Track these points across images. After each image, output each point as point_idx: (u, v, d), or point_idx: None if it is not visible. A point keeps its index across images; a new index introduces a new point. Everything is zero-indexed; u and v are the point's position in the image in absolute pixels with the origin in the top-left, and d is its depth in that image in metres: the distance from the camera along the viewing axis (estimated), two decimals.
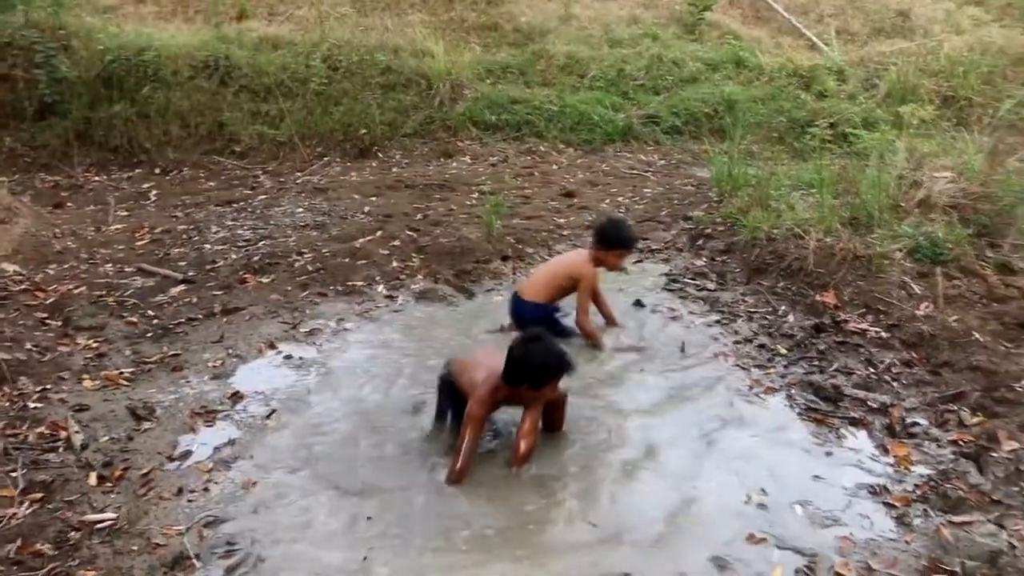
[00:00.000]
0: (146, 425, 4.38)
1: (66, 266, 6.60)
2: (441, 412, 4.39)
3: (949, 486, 3.77)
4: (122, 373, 4.95)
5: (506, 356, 3.87)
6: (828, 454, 4.14)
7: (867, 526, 3.56)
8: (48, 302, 5.84)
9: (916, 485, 3.83)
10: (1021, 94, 8.51)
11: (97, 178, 9.37)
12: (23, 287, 6.04)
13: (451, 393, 4.27)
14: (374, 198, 8.47)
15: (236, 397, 4.70)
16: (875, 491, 3.80)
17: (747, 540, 3.49)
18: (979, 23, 14.20)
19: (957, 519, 3.55)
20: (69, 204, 8.53)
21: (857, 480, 3.90)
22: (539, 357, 3.87)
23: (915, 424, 4.35)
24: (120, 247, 7.10)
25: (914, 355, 5.01)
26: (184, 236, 7.38)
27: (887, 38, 13.85)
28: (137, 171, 9.63)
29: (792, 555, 3.39)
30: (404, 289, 6.22)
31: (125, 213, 8.16)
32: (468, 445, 3.89)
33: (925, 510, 3.65)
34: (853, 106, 11.13)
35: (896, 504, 3.70)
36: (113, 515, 3.63)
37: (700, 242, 7.18)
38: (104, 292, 6.07)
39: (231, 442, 4.25)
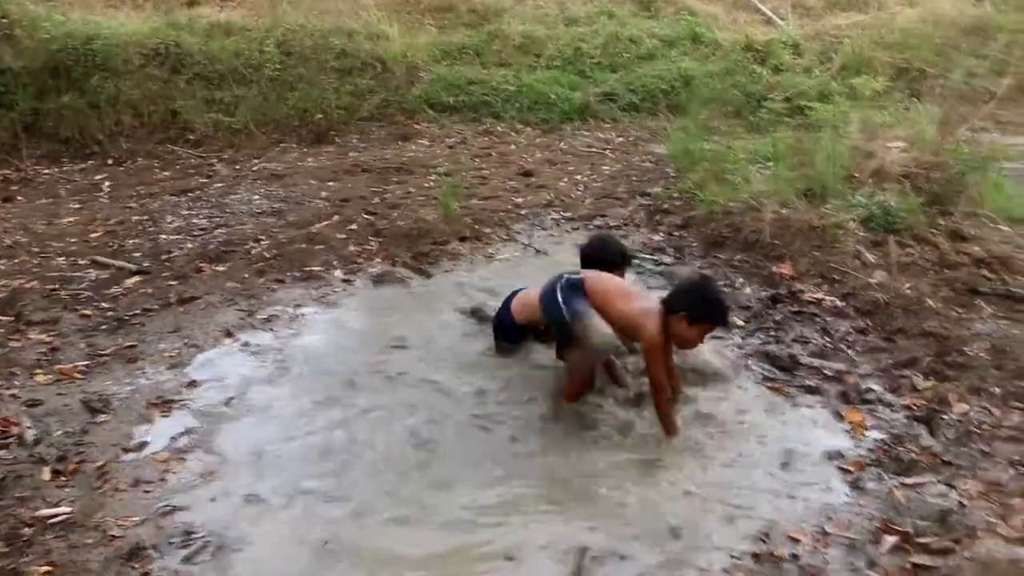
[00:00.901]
0: (101, 418, 4.31)
1: (16, 261, 6.47)
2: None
3: (902, 449, 3.85)
4: (76, 366, 4.87)
5: (679, 285, 4.19)
6: (785, 422, 4.18)
7: (822, 491, 3.61)
8: None
9: (870, 449, 3.90)
10: (970, 63, 8.60)
11: (48, 171, 9.18)
12: None
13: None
14: (331, 183, 8.41)
15: (193, 386, 4.64)
16: (830, 456, 3.85)
17: (702, 507, 3.52)
18: None
19: (909, 481, 3.62)
20: (19, 198, 8.37)
21: (812, 446, 3.95)
22: (715, 292, 4.16)
23: (869, 390, 4.41)
24: (73, 240, 6.98)
25: (868, 323, 5.08)
26: (139, 227, 7.27)
27: (842, 11, 13.99)
28: (89, 162, 9.45)
29: (748, 521, 3.43)
30: (362, 273, 6.19)
31: (78, 205, 8.03)
32: (656, 369, 3.96)
33: (879, 473, 3.71)
34: (808, 79, 11.22)
35: (851, 468, 3.76)
36: (68, 509, 3.58)
37: (658, 217, 7.21)
38: (57, 286, 5.97)
39: (188, 431, 4.20)
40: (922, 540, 3.20)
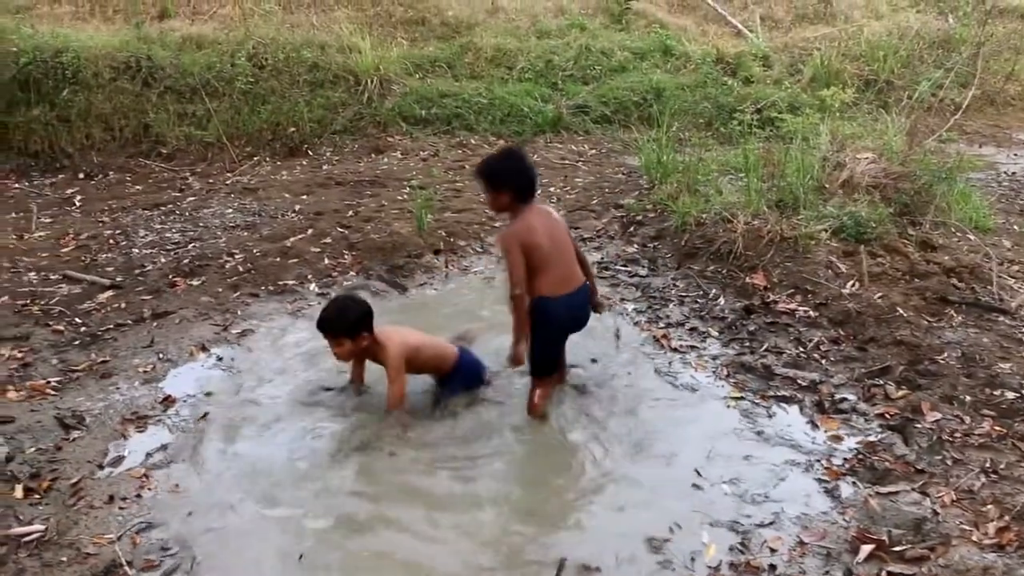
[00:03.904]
0: (75, 434, 4.27)
1: None
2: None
3: (876, 458, 3.89)
4: (49, 382, 4.82)
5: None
6: (759, 432, 4.22)
7: (798, 501, 3.65)
8: None
9: (845, 459, 3.94)
10: (937, 76, 8.73)
11: (17, 185, 9.08)
12: None
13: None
14: (304, 196, 8.39)
15: (168, 401, 4.62)
16: (806, 467, 3.89)
17: (680, 521, 3.54)
18: (896, 8, 14.61)
19: (884, 489, 3.66)
20: None
21: (788, 457, 3.99)
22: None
23: (843, 400, 4.46)
24: (44, 255, 6.91)
25: (841, 332, 5.14)
26: (111, 241, 7.22)
27: (810, 24, 14.16)
28: (60, 176, 9.36)
29: (725, 532, 3.46)
30: (336, 286, 6.18)
31: (49, 220, 7.95)
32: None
33: (854, 482, 3.75)
34: (778, 91, 11.31)
35: (826, 478, 3.79)
36: (41, 527, 3.54)
37: (631, 229, 7.25)
38: (28, 301, 5.91)
39: (164, 447, 4.18)
40: (897, 548, 3.24)
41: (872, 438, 4.08)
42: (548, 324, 4.32)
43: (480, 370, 4.65)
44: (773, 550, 3.32)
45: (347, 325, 4.16)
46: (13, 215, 8.06)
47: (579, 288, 4.38)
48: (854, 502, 3.60)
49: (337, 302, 4.45)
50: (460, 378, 4.56)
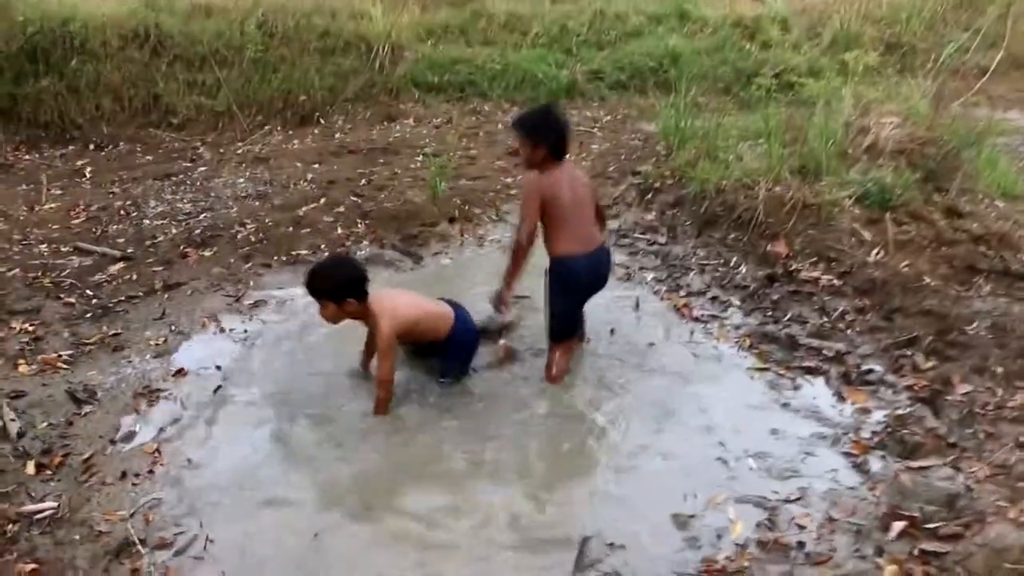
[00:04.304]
0: (87, 409, 4.22)
1: None
2: None
3: (906, 431, 3.77)
4: (60, 356, 4.76)
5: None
6: (785, 405, 4.11)
7: (826, 475, 3.54)
8: None
9: (873, 432, 3.82)
10: (963, 38, 8.51)
11: (28, 157, 9.01)
12: None
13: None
14: (316, 165, 8.29)
15: (180, 375, 4.55)
16: (833, 440, 3.79)
17: (707, 496, 3.44)
18: None
19: (915, 464, 3.54)
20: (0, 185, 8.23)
21: (814, 430, 3.88)
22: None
23: (870, 371, 4.34)
24: (55, 227, 6.84)
25: (867, 302, 5.00)
26: (122, 212, 7.14)
27: None
28: (70, 148, 9.28)
29: (752, 508, 3.36)
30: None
31: (59, 191, 7.87)
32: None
33: (883, 456, 3.64)
34: (797, 55, 11.10)
35: (854, 452, 3.68)
36: (53, 504, 3.48)
37: (649, 196, 7.10)
38: (39, 274, 5.85)
39: (176, 421, 4.11)
40: (930, 525, 3.12)
41: (901, 411, 3.96)
42: (571, 283, 4.26)
43: (475, 333, 4.52)
44: (801, 527, 3.22)
45: (329, 288, 4.03)
46: (23, 187, 7.99)
47: (599, 248, 4.31)
48: (884, 477, 3.49)
49: (326, 263, 4.37)
50: (456, 344, 4.42)
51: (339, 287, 4.02)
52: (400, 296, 4.36)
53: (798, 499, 3.39)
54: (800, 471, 3.58)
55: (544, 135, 4.16)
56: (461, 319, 4.44)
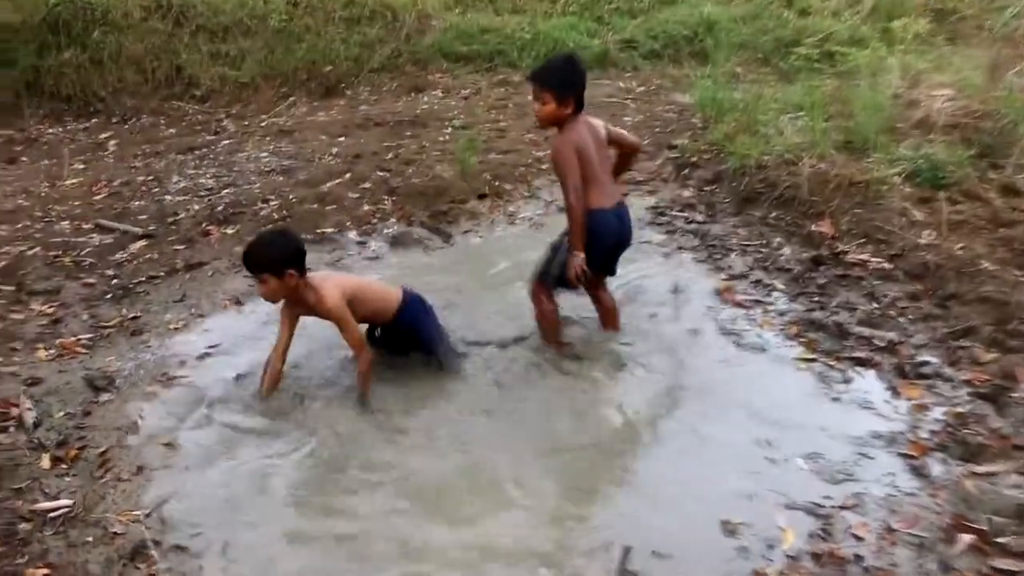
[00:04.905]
0: (104, 397, 4.07)
1: (19, 226, 6.22)
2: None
3: (968, 431, 3.51)
4: (79, 340, 4.63)
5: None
6: (835, 399, 3.87)
7: (883, 480, 3.30)
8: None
9: (932, 431, 3.56)
10: (1020, 3, 8.13)
11: (51, 130, 8.90)
12: None
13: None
14: (342, 138, 8.08)
15: (200, 360, 4.39)
16: (889, 440, 3.54)
17: (756, 501, 3.22)
18: None
19: (980, 469, 3.28)
20: (23, 159, 8.11)
21: (868, 428, 3.62)
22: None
23: (926, 363, 4.05)
24: (76, 203, 6.71)
25: (919, 287, 4.72)
26: (143, 188, 6.99)
27: None
28: (93, 121, 9.16)
29: (804, 516, 3.13)
30: (377, 234, 5.90)
31: (82, 166, 7.75)
32: None
33: (944, 459, 3.39)
34: (838, 23, 10.71)
35: (912, 454, 3.43)
36: (68, 502, 3.34)
37: (686, 171, 6.83)
38: (60, 252, 5.73)
39: (195, 411, 3.95)
40: (1000, 540, 2.89)
41: (961, 408, 3.69)
42: (603, 236, 4.09)
43: (428, 309, 4.31)
44: (859, 538, 2.98)
45: (271, 260, 3.81)
46: (46, 161, 7.89)
47: (620, 202, 4.21)
48: (946, 482, 3.24)
49: (264, 235, 4.20)
50: (412, 317, 4.21)
51: (283, 259, 3.82)
52: (336, 273, 4.25)
53: (854, 506, 3.15)
54: (854, 474, 3.34)
55: (572, 87, 3.99)
56: (413, 298, 4.26)
